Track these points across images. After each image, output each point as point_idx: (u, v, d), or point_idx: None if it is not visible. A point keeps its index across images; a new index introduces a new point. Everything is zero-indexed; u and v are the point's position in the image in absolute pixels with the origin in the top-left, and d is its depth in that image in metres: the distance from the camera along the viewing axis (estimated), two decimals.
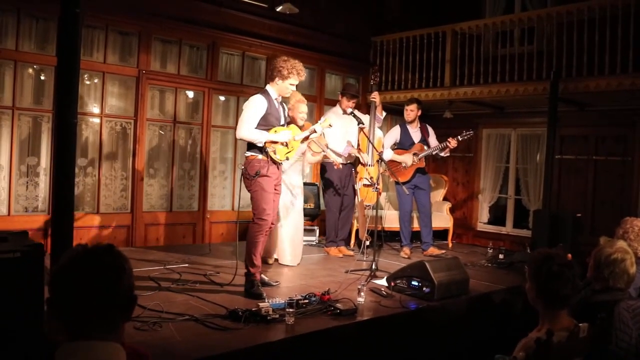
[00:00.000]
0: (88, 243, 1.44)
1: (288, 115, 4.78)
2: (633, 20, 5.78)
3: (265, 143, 4.31)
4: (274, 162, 4.38)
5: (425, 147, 6.42)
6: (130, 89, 6.19)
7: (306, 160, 5.89)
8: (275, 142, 4.37)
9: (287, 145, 4.45)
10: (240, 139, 4.42)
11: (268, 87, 4.51)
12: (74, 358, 1.29)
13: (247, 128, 4.29)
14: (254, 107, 4.35)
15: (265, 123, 4.35)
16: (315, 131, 4.77)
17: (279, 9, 6.79)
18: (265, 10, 7.12)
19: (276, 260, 5.57)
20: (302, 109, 5.23)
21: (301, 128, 4.98)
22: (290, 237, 5.53)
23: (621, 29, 5.83)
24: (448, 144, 6.19)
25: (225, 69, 7.05)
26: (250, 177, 4.31)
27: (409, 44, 7.91)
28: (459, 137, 6.18)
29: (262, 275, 4.64)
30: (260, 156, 4.33)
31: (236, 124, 7.00)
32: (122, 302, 1.37)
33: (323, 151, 5.68)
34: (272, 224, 4.53)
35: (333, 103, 6.77)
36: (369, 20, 8.43)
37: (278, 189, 4.54)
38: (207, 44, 6.76)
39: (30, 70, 5.60)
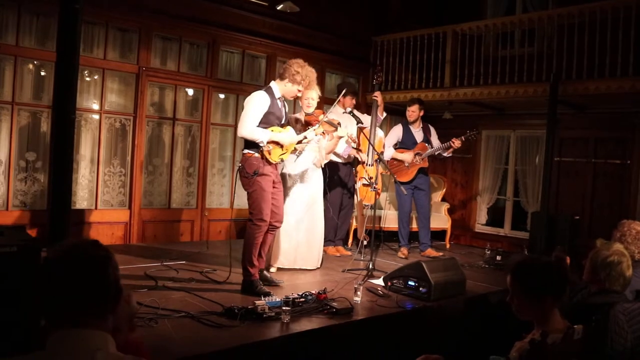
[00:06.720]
0: (81, 239, 1.48)
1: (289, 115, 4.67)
2: (634, 23, 5.78)
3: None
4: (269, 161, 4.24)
5: (429, 147, 6.41)
6: (130, 86, 6.19)
7: (322, 149, 5.20)
8: (276, 143, 4.22)
9: (282, 146, 4.29)
10: (242, 138, 4.22)
11: (273, 85, 4.33)
12: (66, 346, 1.33)
13: (249, 126, 4.10)
14: (256, 104, 4.16)
15: (266, 121, 4.19)
16: (306, 137, 4.54)
17: (279, 7, 6.79)
18: (265, 9, 7.11)
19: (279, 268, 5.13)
20: (309, 95, 4.84)
21: (309, 116, 4.80)
22: (306, 239, 5.20)
23: (622, 31, 5.83)
24: (452, 144, 6.18)
25: (225, 67, 7.05)
26: (249, 176, 4.15)
27: (410, 44, 7.90)
28: (462, 137, 6.16)
29: (265, 273, 4.60)
30: (257, 154, 4.18)
31: (236, 122, 7.07)
32: (109, 292, 1.42)
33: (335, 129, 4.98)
34: (278, 223, 4.40)
35: (333, 102, 6.74)
36: (369, 20, 8.42)
37: (278, 186, 4.39)
38: (208, 42, 6.76)
39: (30, 66, 5.60)
